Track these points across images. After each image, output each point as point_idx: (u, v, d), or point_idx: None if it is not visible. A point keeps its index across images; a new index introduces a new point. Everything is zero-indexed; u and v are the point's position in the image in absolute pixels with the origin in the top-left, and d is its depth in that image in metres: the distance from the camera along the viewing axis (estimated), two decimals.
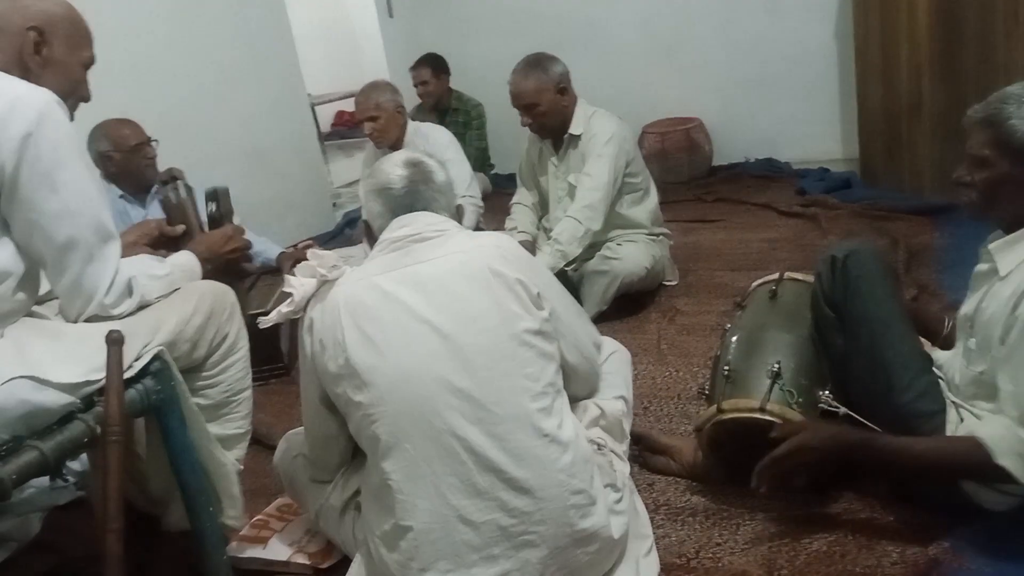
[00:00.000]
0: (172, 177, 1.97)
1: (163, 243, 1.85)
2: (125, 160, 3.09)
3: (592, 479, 1.49)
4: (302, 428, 1.74)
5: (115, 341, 1.38)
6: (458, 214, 1.67)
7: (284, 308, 1.55)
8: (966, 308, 1.64)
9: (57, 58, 1.52)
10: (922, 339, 1.79)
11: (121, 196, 3.17)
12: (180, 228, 1.88)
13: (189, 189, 1.95)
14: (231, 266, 1.83)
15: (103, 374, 1.37)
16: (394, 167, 1.61)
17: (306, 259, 1.57)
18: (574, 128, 2.98)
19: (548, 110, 2.92)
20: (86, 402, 1.38)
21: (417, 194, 1.59)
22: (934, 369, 1.70)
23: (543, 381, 1.48)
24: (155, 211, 2.41)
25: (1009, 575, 1.50)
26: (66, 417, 1.36)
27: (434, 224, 1.56)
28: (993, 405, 1.52)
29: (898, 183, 3.87)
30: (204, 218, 1.96)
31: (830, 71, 4.46)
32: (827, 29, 4.40)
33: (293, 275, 1.57)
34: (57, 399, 1.35)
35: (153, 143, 3.12)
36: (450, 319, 1.45)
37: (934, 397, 1.63)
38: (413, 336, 1.44)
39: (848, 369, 1.74)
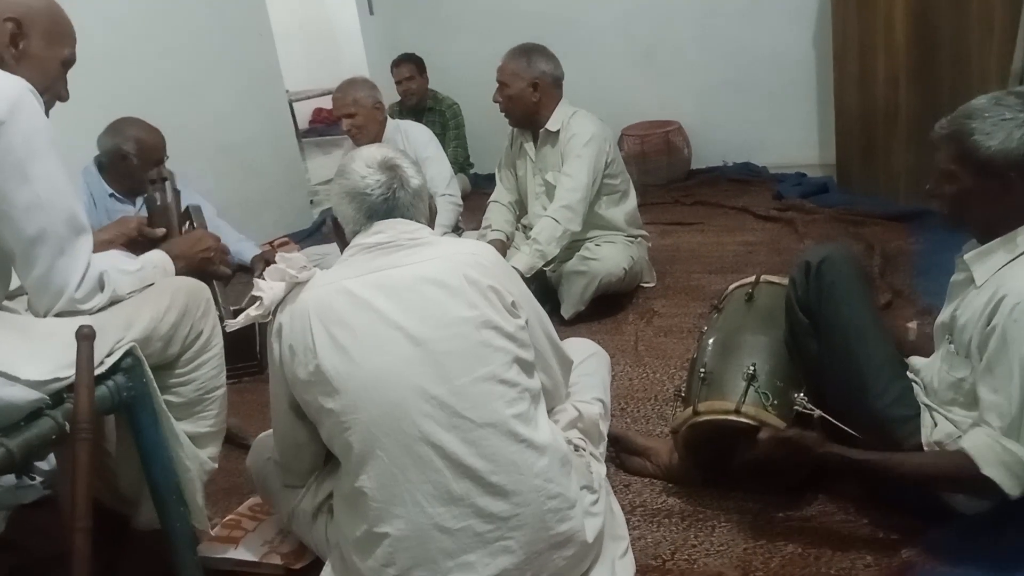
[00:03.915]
0: (162, 178, 1.93)
1: (140, 244, 1.81)
2: (137, 168, 3.04)
3: (569, 482, 1.48)
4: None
5: (85, 337, 1.35)
6: (431, 215, 1.64)
7: (252, 311, 1.50)
8: (942, 317, 1.65)
9: (34, 52, 1.48)
10: None
11: (111, 195, 3.14)
12: (160, 231, 1.85)
13: (176, 193, 1.91)
14: (204, 267, 1.80)
15: (73, 371, 1.34)
16: (369, 170, 1.53)
17: (275, 262, 1.53)
18: (551, 124, 2.99)
19: (513, 95, 2.96)
20: (55, 398, 1.35)
21: (395, 200, 1.53)
22: (908, 374, 1.72)
23: (519, 386, 1.46)
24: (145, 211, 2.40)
25: None
26: (34, 414, 1.33)
27: (408, 232, 1.52)
28: (971, 413, 1.53)
29: (874, 189, 3.90)
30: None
31: (808, 77, 4.49)
32: (805, 35, 4.44)
33: (263, 279, 1.53)
34: (25, 395, 1.31)
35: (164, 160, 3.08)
36: (423, 325, 1.42)
37: (908, 402, 1.64)
38: (385, 342, 1.41)
39: (823, 374, 1.75)
